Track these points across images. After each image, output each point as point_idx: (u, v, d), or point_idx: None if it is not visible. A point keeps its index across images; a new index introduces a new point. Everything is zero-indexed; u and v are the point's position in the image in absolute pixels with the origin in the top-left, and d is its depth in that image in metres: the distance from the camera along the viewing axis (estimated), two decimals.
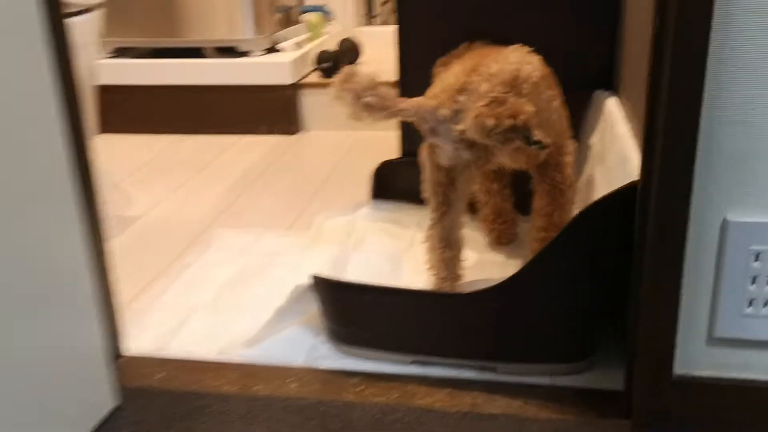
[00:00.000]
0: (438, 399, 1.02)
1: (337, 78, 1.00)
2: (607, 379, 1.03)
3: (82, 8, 1.55)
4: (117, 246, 1.42)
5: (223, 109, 2.29)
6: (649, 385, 0.89)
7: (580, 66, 1.37)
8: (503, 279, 1.01)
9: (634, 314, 0.87)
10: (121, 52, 2.34)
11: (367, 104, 0.97)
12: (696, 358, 0.85)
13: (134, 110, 2.32)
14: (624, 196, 0.93)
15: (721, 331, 0.83)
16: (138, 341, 1.20)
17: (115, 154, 2.16)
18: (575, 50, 1.36)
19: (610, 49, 1.33)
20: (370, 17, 3.00)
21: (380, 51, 2.63)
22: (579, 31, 1.35)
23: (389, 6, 3.03)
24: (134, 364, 1.14)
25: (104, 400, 1.02)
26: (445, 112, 1.00)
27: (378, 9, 3.02)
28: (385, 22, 3.00)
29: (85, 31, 1.53)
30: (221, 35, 2.25)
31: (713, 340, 0.84)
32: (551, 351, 1.05)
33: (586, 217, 0.95)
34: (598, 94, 1.33)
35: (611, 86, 1.35)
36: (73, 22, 1.49)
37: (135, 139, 2.29)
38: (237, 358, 1.15)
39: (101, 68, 1.68)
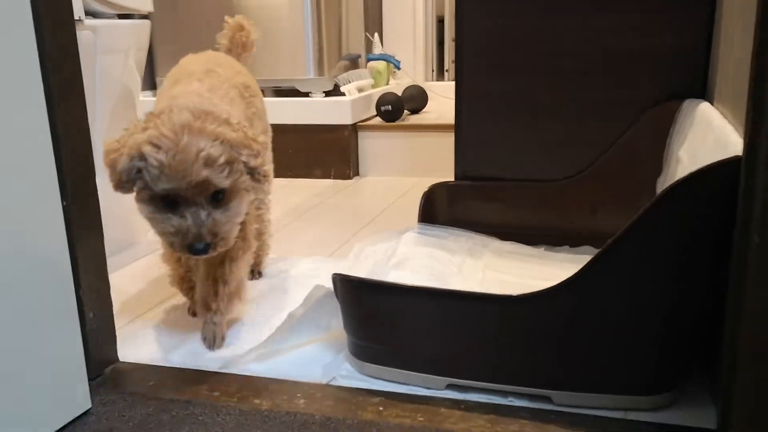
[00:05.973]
0: (475, 425, 0.80)
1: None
2: (694, 414, 0.81)
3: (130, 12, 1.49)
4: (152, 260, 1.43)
5: (277, 152, 2.18)
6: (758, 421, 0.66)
7: (668, 72, 1.19)
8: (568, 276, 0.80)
9: (734, 328, 0.65)
10: None
11: None
12: None
13: None
14: (723, 172, 0.73)
15: None
16: (140, 350, 1.06)
17: None
18: (663, 54, 1.18)
19: (705, 51, 1.15)
20: (440, 72, 2.91)
21: (447, 103, 2.53)
22: (668, 31, 1.17)
23: None
24: (127, 371, 0.99)
25: (75, 402, 0.85)
26: None
27: (449, 65, 2.93)
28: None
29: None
30: (283, 75, 2.18)
31: None
32: (625, 379, 0.83)
33: (673, 197, 0.75)
34: (689, 102, 1.14)
35: (704, 94, 1.16)
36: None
37: None
38: (241, 371, 0.97)
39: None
